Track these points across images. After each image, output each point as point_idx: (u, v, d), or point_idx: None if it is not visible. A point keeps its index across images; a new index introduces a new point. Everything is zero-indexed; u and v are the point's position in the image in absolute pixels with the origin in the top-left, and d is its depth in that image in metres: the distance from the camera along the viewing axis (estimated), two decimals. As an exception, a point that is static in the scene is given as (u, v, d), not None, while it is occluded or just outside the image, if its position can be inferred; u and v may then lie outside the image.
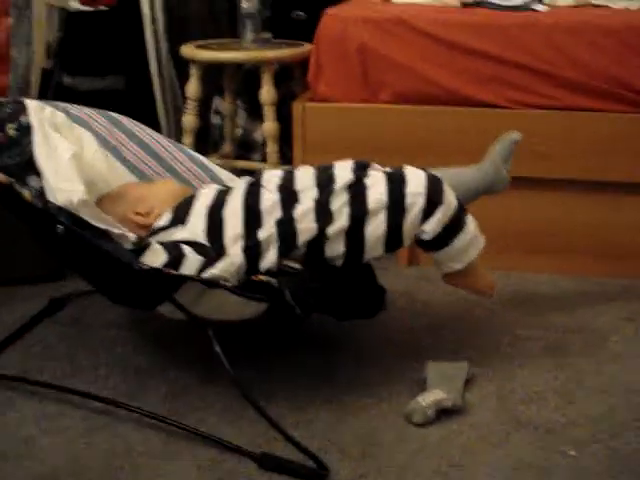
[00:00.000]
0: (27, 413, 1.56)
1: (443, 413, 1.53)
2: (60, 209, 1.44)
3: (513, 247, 2.10)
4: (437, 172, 1.66)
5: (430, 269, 2.09)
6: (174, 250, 1.49)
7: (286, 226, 1.50)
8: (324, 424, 1.52)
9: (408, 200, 1.51)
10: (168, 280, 1.40)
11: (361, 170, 1.58)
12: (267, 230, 1.51)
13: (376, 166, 1.64)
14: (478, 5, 2.15)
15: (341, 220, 1.50)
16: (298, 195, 1.55)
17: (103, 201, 1.65)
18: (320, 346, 1.79)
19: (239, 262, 1.49)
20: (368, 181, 1.53)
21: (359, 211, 1.50)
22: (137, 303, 1.60)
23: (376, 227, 1.51)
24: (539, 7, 2.14)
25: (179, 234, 1.56)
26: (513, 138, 1.76)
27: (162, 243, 1.52)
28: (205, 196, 1.62)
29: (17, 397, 1.61)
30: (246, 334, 1.75)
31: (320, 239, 1.50)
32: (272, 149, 2.31)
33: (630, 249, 2.07)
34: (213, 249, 1.51)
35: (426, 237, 1.55)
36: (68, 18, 2.17)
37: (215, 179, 1.87)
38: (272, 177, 1.61)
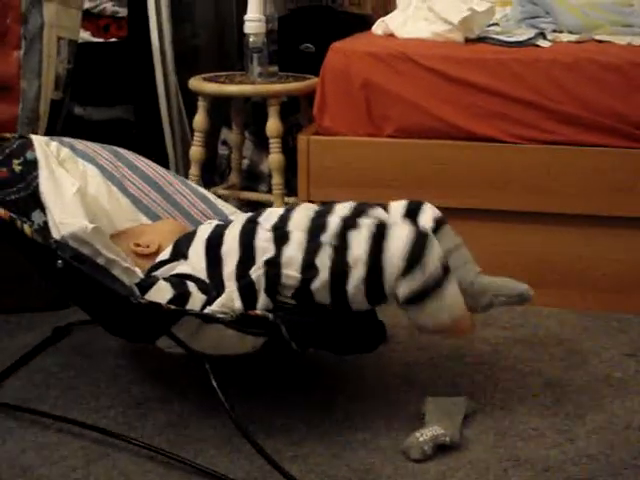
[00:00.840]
0: (27, 442, 1.57)
1: (440, 449, 1.52)
2: (60, 244, 1.45)
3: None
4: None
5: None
6: (180, 287, 1.50)
7: (273, 267, 1.51)
8: (321, 458, 1.52)
9: (387, 260, 1.49)
10: (166, 314, 1.41)
11: (353, 219, 1.56)
12: (258, 269, 1.52)
13: (374, 212, 1.61)
14: (481, 41, 2.17)
15: (323, 273, 1.50)
16: (289, 237, 1.54)
17: None
18: (319, 379, 1.79)
19: (235, 299, 1.50)
20: (352, 235, 1.52)
21: (339, 267, 1.50)
22: (135, 336, 1.61)
23: (356, 282, 1.49)
24: (543, 43, 2.15)
25: (181, 267, 1.58)
26: (523, 292, 1.65)
27: (167, 279, 1.53)
28: (204, 231, 1.63)
29: (18, 426, 1.62)
30: (245, 367, 1.75)
31: (307, 289, 1.51)
32: (277, 181, 2.33)
33: (634, 284, 2.06)
34: (213, 286, 1.53)
35: (400, 294, 1.51)
36: (79, 50, 2.20)
37: (219, 213, 1.89)
38: (271, 215, 1.62)
